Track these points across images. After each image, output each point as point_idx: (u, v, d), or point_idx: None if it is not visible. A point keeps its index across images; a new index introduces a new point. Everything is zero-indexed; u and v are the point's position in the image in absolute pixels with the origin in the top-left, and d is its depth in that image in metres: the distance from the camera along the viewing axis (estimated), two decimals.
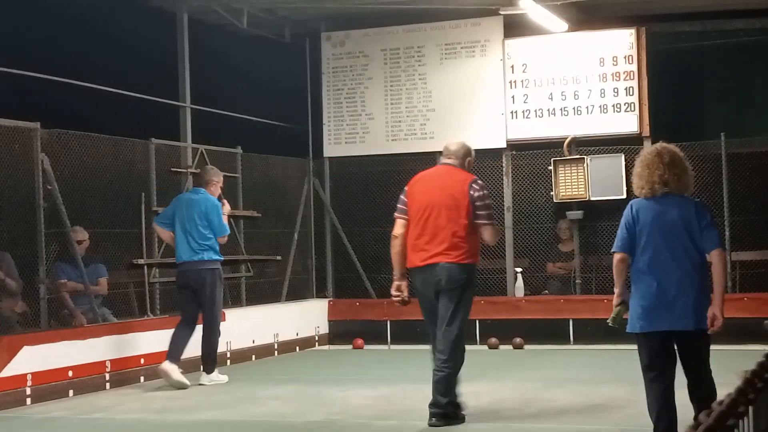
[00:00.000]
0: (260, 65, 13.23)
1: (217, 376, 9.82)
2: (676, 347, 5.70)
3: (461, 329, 7.17)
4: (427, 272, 7.16)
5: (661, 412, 5.63)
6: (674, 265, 5.64)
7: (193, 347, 9.75)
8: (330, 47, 13.60)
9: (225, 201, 10.41)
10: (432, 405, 7.10)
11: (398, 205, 7.42)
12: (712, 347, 5.83)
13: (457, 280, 7.11)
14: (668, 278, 5.62)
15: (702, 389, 5.69)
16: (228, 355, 11.21)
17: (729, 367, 7.27)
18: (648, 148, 6.01)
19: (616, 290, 5.86)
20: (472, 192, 7.19)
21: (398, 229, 7.37)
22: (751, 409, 2.31)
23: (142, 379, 9.93)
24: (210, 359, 9.80)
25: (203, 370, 9.82)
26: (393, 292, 7.36)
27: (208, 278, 9.72)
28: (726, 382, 7.46)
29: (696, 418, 4.98)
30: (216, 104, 12.62)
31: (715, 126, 12.26)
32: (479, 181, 7.34)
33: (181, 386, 9.36)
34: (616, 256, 5.81)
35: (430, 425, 7.06)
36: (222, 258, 9.98)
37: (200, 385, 9.60)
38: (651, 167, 5.76)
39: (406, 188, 7.46)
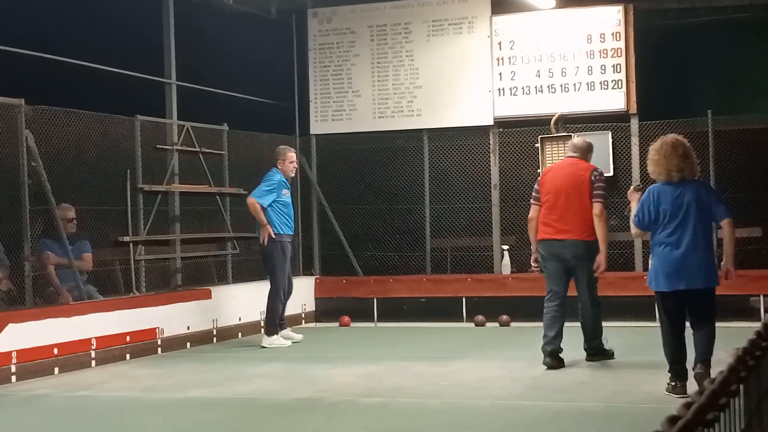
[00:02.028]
0: (246, 42, 13.15)
1: (278, 340, 10.63)
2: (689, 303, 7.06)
3: (596, 287, 8.95)
4: (555, 245, 8.80)
5: (675, 354, 7.08)
6: (689, 236, 6.99)
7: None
8: (317, 24, 13.53)
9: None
10: (589, 348, 8.98)
11: (533, 193, 9.04)
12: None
13: (581, 253, 8.73)
14: (685, 247, 6.98)
15: (703, 342, 7.05)
16: (214, 333, 11.20)
17: (716, 344, 7.33)
18: (662, 140, 7.17)
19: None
20: (592, 178, 8.80)
21: (533, 213, 9.01)
22: (741, 387, 2.30)
23: (127, 356, 9.91)
24: (268, 323, 10.70)
25: (264, 333, 10.78)
26: (533, 264, 9.06)
27: (267, 249, 10.63)
28: (714, 359, 7.51)
29: (697, 359, 6.92)
30: (202, 81, 12.54)
31: (702, 103, 12.26)
32: (599, 169, 8.97)
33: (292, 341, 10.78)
34: (635, 230, 7.35)
35: (588, 360, 8.90)
36: (283, 231, 10.64)
37: (261, 347, 10.56)
38: (668, 157, 7.05)
39: (539, 178, 9.14)
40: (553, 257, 8.82)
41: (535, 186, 9.08)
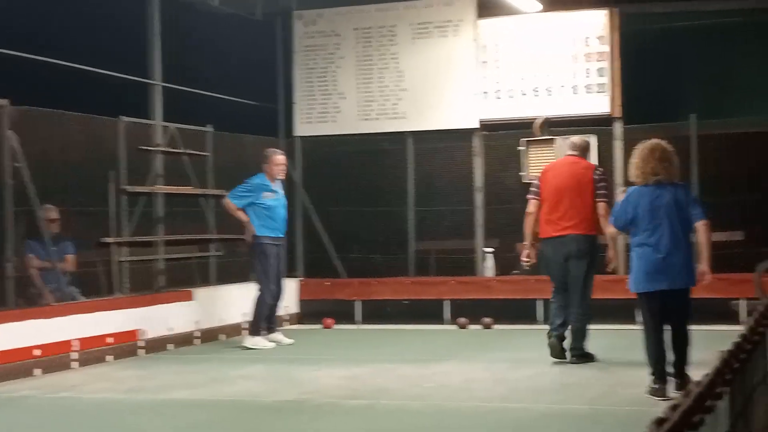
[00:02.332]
0: (232, 43, 13.12)
1: (261, 341, 10.65)
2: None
3: (591, 290, 9.06)
4: (559, 242, 9.01)
5: (657, 355, 7.19)
6: (668, 237, 7.13)
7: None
8: (302, 26, 13.52)
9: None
10: (572, 348, 8.98)
11: (531, 189, 9.29)
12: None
13: (584, 248, 8.96)
14: (665, 248, 7.12)
15: (680, 341, 7.22)
16: (197, 335, 11.17)
17: (697, 346, 7.36)
18: (644, 144, 7.34)
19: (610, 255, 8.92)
20: (595, 177, 9.06)
21: (531, 207, 9.23)
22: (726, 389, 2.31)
23: (110, 358, 9.87)
24: (251, 323, 10.73)
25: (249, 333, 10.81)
26: (524, 258, 9.29)
27: (250, 250, 10.88)
28: (697, 362, 7.53)
29: (675, 364, 7.08)
30: (187, 82, 12.49)
31: (686, 107, 12.30)
32: (600, 168, 9.35)
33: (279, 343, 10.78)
34: (612, 230, 7.65)
35: (572, 362, 8.90)
36: (262, 234, 10.71)
37: (243, 347, 10.62)
38: (645, 160, 7.22)
39: (539, 175, 9.35)
40: (557, 254, 9.06)
41: (535, 182, 9.34)
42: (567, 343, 9.03)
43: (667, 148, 7.28)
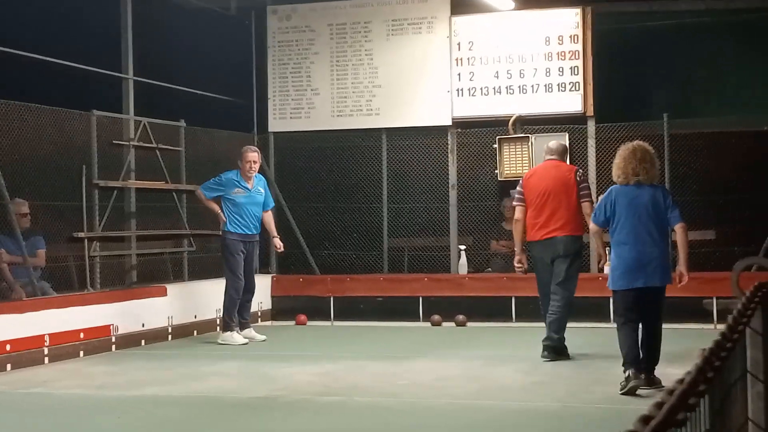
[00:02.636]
0: (205, 38, 13.06)
1: (231, 337, 10.66)
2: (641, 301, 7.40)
3: (574, 284, 9.20)
4: (547, 244, 9.17)
5: (630, 347, 7.33)
6: (646, 236, 7.37)
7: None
8: (276, 21, 13.48)
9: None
10: (546, 339, 9.03)
11: (516, 195, 9.45)
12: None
13: (571, 248, 9.17)
14: (642, 247, 7.36)
15: (652, 338, 7.43)
16: (170, 331, 11.13)
17: (670, 345, 7.42)
18: (625, 145, 7.59)
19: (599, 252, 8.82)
20: (578, 178, 9.27)
21: (519, 214, 9.39)
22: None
23: (81, 353, 9.82)
24: (223, 319, 10.88)
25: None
26: (516, 264, 9.43)
27: (220, 245, 11.03)
28: (673, 358, 7.59)
29: (646, 361, 7.28)
30: (160, 77, 12.44)
31: (659, 106, 12.38)
32: (581, 170, 9.61)
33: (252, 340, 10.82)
34: (593, 227, 7.87)
35: (543, 357, 8.97)
36: (228, 229, 10.81)
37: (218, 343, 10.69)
38: (626, 161, 7.47)
39: (521, 181, 9.51)
40: (545, 256, 9.24)
41: (518, 188, 9.49)
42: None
43: (649, 150, 7.52)
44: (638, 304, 7.39)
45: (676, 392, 2.01)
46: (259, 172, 11.20)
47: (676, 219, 7.50)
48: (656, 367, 7.44)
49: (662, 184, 7.81)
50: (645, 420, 1.85)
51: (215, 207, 10.91)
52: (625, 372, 7.28)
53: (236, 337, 10.70)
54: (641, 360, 7.36)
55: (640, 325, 7.47)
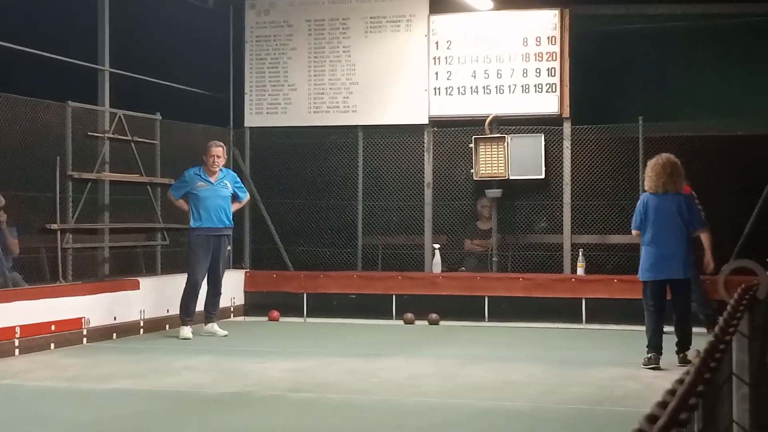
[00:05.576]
0: (183, 31, 13.00)
1: (182, 331, 10.70)
2: (669, 291, 8.73)
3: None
4: None
5: (654, 332, 8.58)
6: (670, 237, 8.63)
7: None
8: (254, 15, 13.44)
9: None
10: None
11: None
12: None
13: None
14: (666, 245, 8.63)
15: (683, 323, 8.63)
16: (142, 324, 11.08)
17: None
18: (658, 158, 8.79)
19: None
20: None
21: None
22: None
23: (52, 346, 9.76)
24: (180, 313, 10.84)
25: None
26: None
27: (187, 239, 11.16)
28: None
29: (680, 342, 8.58)
30: (136, 69, 12.37)
31: (634, 109, 12.41)
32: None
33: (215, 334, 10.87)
34: (634, 232, 8.95)
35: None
36: (192, 225, 10.92)
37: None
38: (658, 175, 8.68)
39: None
40: None
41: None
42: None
43: (677, 164, 8.73)
44: (662, 293, 8.68)
45: (677, 393, 2.04)
46: (234, 167, 11.19)
47: (699, 225, 8.94)
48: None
49: (685, 194, 8.99)
50: (652, 419, 1.89)
51: (183, 204, 11.03)
52: (648, 353, 8.50)
53: (184, 330, 10.72)
54: (668, 344, 8.51)
55: (673, 312, 8.70)
